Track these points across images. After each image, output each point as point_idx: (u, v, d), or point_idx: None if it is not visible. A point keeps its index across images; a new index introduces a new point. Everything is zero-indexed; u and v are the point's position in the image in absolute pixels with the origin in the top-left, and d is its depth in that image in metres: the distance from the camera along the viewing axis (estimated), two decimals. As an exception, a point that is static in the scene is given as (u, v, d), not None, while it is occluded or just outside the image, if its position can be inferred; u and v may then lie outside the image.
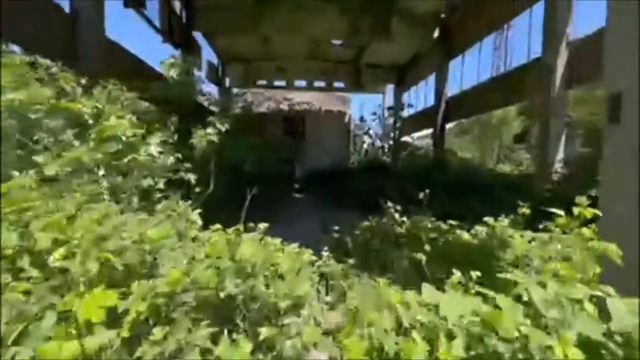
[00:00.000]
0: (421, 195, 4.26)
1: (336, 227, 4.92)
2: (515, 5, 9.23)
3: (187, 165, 3.91)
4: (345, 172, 11.44)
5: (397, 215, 4.12)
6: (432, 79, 13.63)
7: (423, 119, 12.95)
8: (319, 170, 14.95)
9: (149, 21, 9.12)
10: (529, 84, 8.15)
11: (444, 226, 3.29)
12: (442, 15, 11.86)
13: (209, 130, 8.22)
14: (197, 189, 3.58)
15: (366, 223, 4.22)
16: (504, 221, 2.76)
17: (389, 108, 12.81)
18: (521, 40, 10.89)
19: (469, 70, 13.19)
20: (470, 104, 10.83)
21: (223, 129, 10.02)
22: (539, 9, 8.63)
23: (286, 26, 12.05)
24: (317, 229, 5.86)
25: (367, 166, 11.17)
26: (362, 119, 12.15)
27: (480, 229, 2.91)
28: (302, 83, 19.14)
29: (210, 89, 17.64)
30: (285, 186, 14.74)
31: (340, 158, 14.60)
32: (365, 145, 12.28)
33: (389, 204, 5.94)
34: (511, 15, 9.55)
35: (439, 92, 12.18)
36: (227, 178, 9.49)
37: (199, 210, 2.53)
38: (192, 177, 3.78)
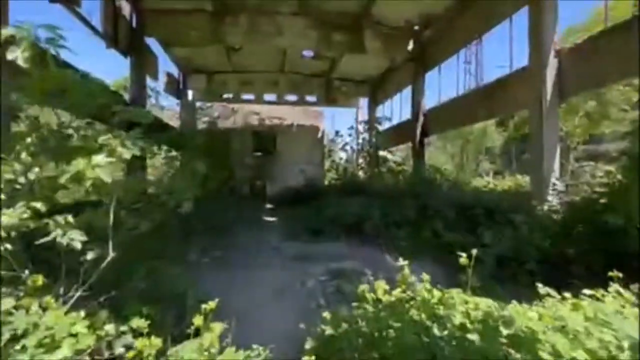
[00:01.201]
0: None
1: (320, 278, 3.78)
2: (490, 18, 8.93)
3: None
4: (321, 192, 10.39)
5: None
6: (407, 92, 13.18)
7: (401, 132, 12.36)
8: (291, 189, 13.80)
9: (86, 22, 7.69)
10: (516, 95, 7.69)
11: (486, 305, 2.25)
12: (416, 28, 11.50)
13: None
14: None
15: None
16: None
17: (365, 122, 12.06)
18: (491, 53, 10.70)
19: (446, 82, 12.89)
20: (450, 117, 10.33)
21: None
22: (516, 20, 8.33)
23: (251, 36, 11.06)
24: (292, 273, 4.66)
25: (346, 185, 10.17)
26: (337, 133, 11.25)
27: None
28: (272, 97, 18.11)
29: (170, 102, 16.13)
30: (256, 207, 13.38)
31: (315, 176, 13.60)
32: (342, 162, 11.32)
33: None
34: (486, 28, 9.24)
35: (416, 105, 11.66)
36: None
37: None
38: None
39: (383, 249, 5.79)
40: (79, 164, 1.81)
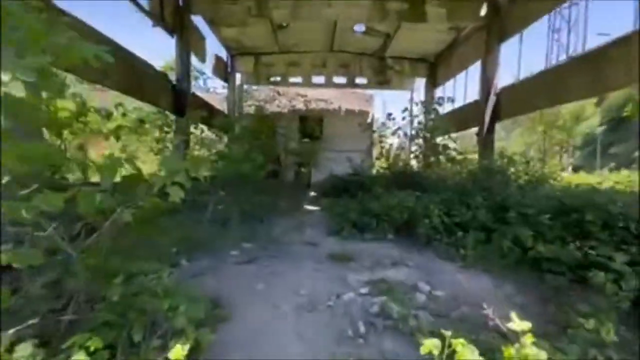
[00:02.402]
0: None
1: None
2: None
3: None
4: (368, 182, 9.36)
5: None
6: (474, 70, 11.26)
7: (464, 116, 10.61)
8: (337, 178, 12.91)
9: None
10: (626, 66, 5.75)
11: None
12: (491, -12, 9.54)
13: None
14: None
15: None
16: None
17: (422, 103, 10.55)
18: (590, 17, 8.39)
19: (527, 56, 10.55)
20: (532, 96, 8.41)
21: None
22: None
23: (298, 9, 10.15)
24: (326, 279, 3.79)
25: (397, 176, 8.99)
26: (389, 116, 9.98)
27: None
28: (320, 79, 17.20)
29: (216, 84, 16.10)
30: (299, 196, 12.81)
31: (363, 164, 12.52)
32: (394, 149, 10.07)
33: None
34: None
35: (486, 83, 9.81)
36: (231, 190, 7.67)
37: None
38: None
39: (443, 256, 4.65)
40: None
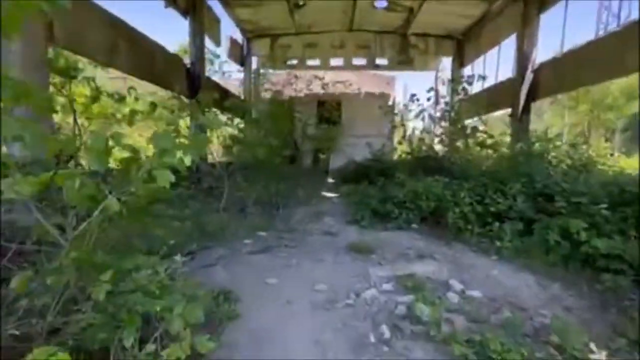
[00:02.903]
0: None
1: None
2: None
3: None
4: (390, 167, 8.88)
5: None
6: (507, 45, 10.29)
7: (496, 95, 9.75)
8: (356, 163, 12.44)
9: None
10: None
11: None
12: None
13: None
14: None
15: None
16: None
17: (450, 81, 9.75)
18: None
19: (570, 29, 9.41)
20: (576, 71, 7.50)
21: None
22: None
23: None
24: (345, 272, 3.46)
25: (420, 161, 8.44)
26: (413, 97, 9.33)
27: None
28: (338, 61, 16.51)
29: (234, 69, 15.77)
30: (316, 181, 12.48)
31: (384, 149, 11.96)
32: (417, 132, 9.46)
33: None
34: None
35: (523, 58, 8.90)
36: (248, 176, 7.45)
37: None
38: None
39: (475, 249, 4.19)
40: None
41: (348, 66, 16.47)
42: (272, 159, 8.05)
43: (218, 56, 9.12)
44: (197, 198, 6.56)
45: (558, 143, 7.03)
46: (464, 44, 13.75)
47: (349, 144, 15.77)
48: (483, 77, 8.61)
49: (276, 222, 5.88)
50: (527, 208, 4.25)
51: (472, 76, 8.54)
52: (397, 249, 4.28)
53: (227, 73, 8.52)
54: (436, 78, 15.68)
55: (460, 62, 13.97)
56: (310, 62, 16.68)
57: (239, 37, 14.44)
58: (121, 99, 5.44)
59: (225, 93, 11.36)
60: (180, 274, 2.44)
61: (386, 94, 18.34)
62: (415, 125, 9.94)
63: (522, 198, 4.43)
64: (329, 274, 3.45)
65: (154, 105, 6.59)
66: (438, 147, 9.68)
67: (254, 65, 15.45)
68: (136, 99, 6.17)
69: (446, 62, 15.61)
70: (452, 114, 8.84)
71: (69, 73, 4.13)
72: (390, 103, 18.55)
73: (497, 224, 4.26)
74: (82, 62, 6.85)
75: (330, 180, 15.34)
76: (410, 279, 3.24)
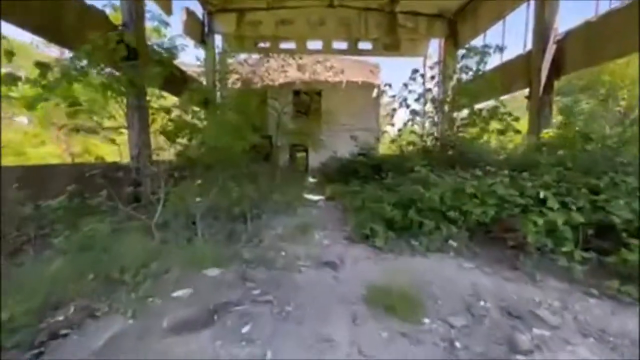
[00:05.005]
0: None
1: None
2: None
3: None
4: (380, 165, 7.11)
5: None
6: (514, 18, 8.78)
7: (508, 75, 8.21)
8: (341, 160, 10.57)
9: None
10: None
11: None
12: None
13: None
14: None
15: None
16: None
17: (437, 63, 7.97)
18: None
19: None
20: (618, 37, 6.02)
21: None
22: None
23: None
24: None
25: (427, 152, 6.70)
26: (416, 72, 7.55)
27: None
28: (317, 45, 14.53)
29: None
30: (295, 182, 10.41)
31: (369, 144, 10.21)
32: (417, 119, 7.68)
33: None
34: None
35: (542, 28, 7.39)
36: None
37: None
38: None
39: (599, 295, 2.35)
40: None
41: (328, 50, 14.53)
42: (240, 154, 5.91)
43: (167, 24, 6.76)
44: (121, 211, 4.29)
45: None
46: (457, 24, 12.27)
47: (331, 139, 13.88)
48: (501, 48, 6.97)
49: (241, 244, 3.77)
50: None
51: (488, 46, 6.85)
52: (461, 299, 2.34)
53: (180, 46, 6.34)
54: (424, 65, 14.13)
55: (454, 43, 12.45)
56: (284, 45, 14.57)
57: (198, 10, 12.04)
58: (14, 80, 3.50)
59: (181, 73, 9.00)
60: None
61: (370, 82, 16.65)
62: (412, 111, 8.10)
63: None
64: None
65: (44, 69, 4.25)
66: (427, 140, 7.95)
67: (218, 46, 13.06)
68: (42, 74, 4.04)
69: (434, 48, 14.12)
70: (462, 97, 7.11)
71: None
72: (375, 94, 16.89)
73: (595, 243, 2.44)
74: None
75: (311, 179, 13.33)
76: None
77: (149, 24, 7.55)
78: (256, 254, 3.38)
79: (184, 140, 5.11)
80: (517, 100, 9.80)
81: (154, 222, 3.85)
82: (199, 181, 4.84)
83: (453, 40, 12.43)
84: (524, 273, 2.79)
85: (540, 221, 2.72)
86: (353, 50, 14.47)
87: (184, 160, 4.95)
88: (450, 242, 3.55)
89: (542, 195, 2.93)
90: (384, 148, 13.62)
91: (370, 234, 3.82)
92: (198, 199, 4.16)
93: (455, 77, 7.50)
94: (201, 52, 12.45)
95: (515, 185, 3.26)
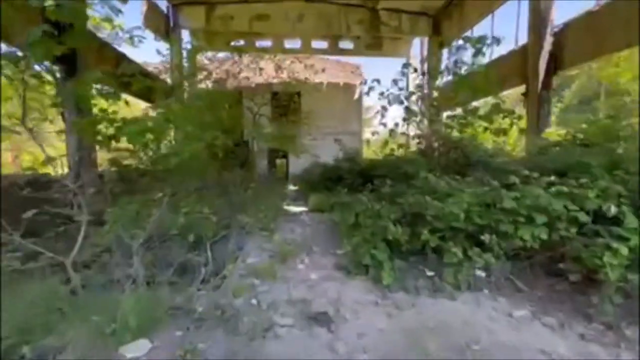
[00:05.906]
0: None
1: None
2: None
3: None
4: (369, 172, 6.30)
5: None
6: (502, 14, 8.30)
7: (501, 72, 7.65)
8: (323, 166, 9.65)
9: None
10: None
11: None
12: None
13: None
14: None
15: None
16: None
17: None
18: None
19: None
20: (625, 26, 5.52)
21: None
22: None
23: None
24: None
25: (428, 154, 5.92)
26: (407, 66, 6.82)
27: None
28: (295, 44, 13.63)
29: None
30: (275, 191, 9.37)
31: (354, 149, 9.41)
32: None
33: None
34: None
35: (538, 19, 6.86)
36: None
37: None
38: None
39: None
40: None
41: (307, 50, 13.67)
42: (206, 161, 4.84)
43: (120, 11, 5.56)
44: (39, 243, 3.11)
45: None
46: (441, 22, 11.77)
47: (312, 143, 12.95)
48: (498, 40, 6.33)
49: (195, 286, 2.72)
50: None
51: (484, 37, 6.19)
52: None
53: (137, 39, 5.23)
54: (407, 65, 13.58)
55: (438, 43, 11.93)
56: (260, 44, 13.58)
57: (162, 3, 10.84)
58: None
59: (145, 76, 7.78)
60: None
61: (351, 84, 15.92)
62: (406, 108, 7.30)
63: None
64: None
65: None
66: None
67: (185, 43, 11.84)
68: None
69: (417, 49, 13.61)
70: (458, 94, 6.40)
71: None
72: (357, 95, 16.17)
73: None
74: None
75: (292, 187, 12.31)
76: None
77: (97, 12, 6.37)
78: (214, 304, 2.34)
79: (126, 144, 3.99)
80: (508, 98, 9.32)
81: (71, 260, 2.72)
82: (146, 197, 3.72)
83: (437, 38, 11.91)
84: (602, 324, 1.94)
85: (625, 250, 1.89)
86: (334, 49, 13.70)
87: (121, 168, 3.83)
88: (478, 272, 2.68)
89: (612, 210, 2.11)
90: (369, 152, 12.86)
91: (371, 263, 2.89)
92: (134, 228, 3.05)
93: (450, 71, 6.78)
94: (163, 47, 11.22)
95: (564, 197, 2.44)
